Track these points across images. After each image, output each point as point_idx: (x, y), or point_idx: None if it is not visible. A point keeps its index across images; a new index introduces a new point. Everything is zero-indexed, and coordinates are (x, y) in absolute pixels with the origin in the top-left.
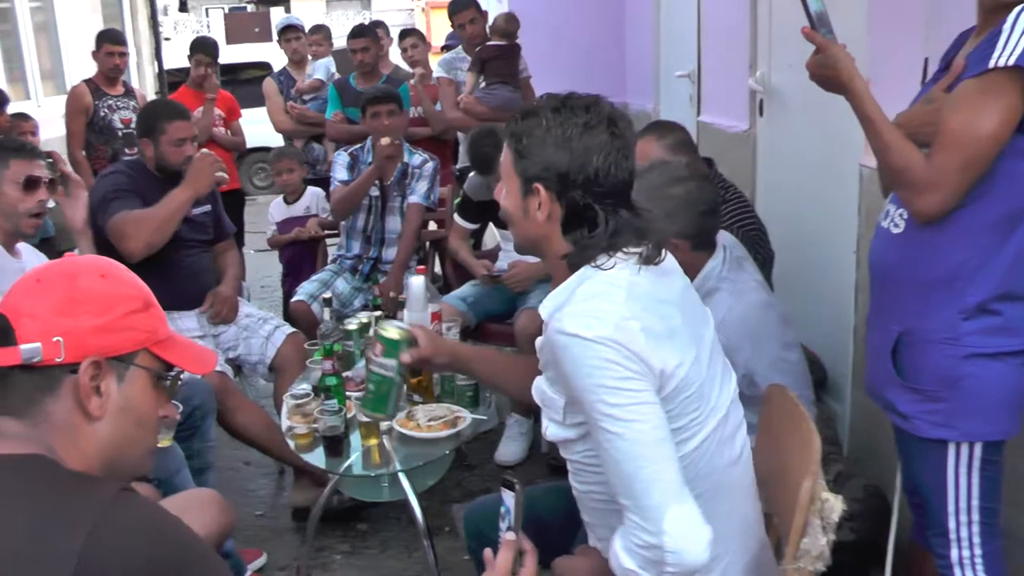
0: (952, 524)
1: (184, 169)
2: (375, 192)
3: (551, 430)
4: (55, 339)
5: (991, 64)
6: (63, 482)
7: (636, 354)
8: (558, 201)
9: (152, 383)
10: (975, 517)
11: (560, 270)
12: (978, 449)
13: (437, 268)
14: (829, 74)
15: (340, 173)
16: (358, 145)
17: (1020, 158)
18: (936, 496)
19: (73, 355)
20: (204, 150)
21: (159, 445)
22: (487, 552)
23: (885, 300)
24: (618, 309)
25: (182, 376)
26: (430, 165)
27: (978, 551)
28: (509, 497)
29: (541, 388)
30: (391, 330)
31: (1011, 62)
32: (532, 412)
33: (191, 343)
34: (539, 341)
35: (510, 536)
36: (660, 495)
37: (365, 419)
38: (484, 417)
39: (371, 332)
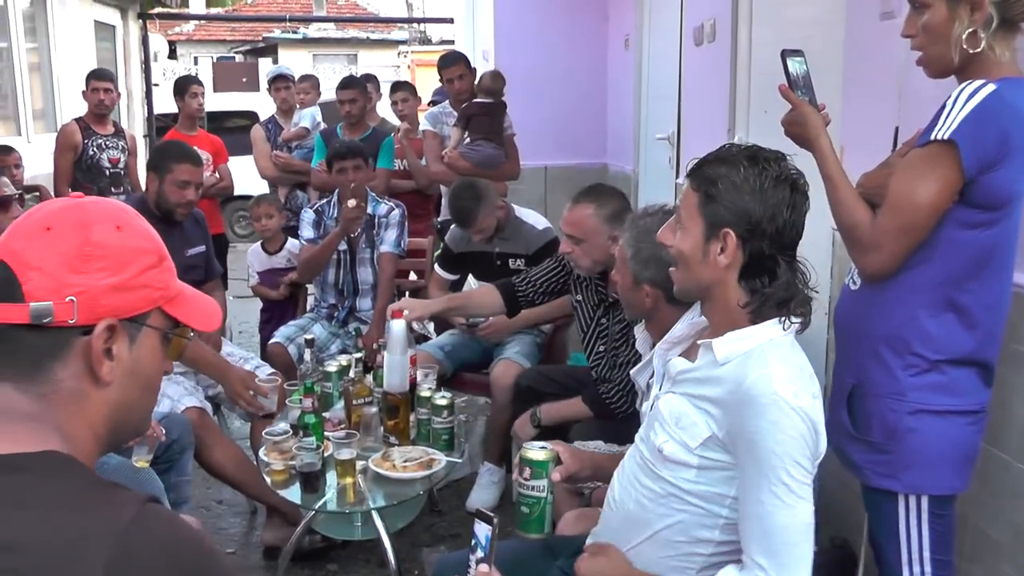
0: (906, 574)
1: (178, 212)
2: (343, 246)
3: (669, 447)
4: (68, 298)
5: (932, 136)
6: (86, 490)
7: (819, 435)
8: (742, 249)
9: (161, 342)
10: (927, 569)
11: (731, 316)
12: (925, 502)
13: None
14: (799, 131)
15: (306, 231)
16: (324, 200)
17: (959, 227)
18: (890, 546)
19: (86, 317)
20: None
21: (136, 465)
22: None
23: (843, 353)
24: (812, 384)
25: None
26: (396, 212)
27: None
28: (483, 529)
29: (675, 406)
30: (536, 452)
31: (947, 136)
32: (504, 461)
33: (198, 294)
34: (702, 366)
35: (483, 569)
36: (803, 571)
37: (527, 535)
38: (458, 460)
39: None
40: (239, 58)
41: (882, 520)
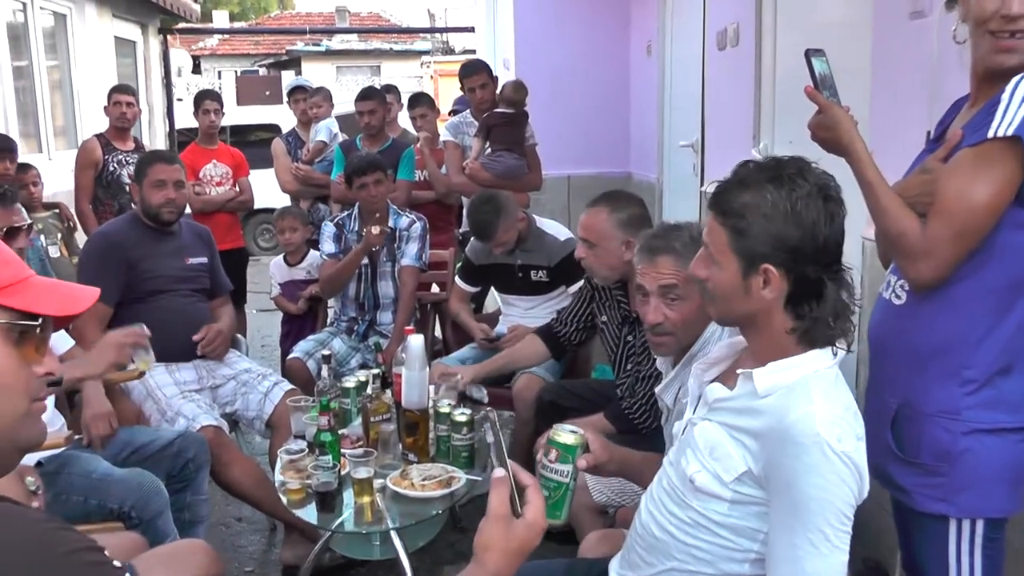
0: None
1: (163, 213)
2: (364, 260)
3: (702, 478)
4: None
5: (989, 134)
6: None
7: (863, 479)
8: (787, 278)
9: (9, 338)
10: None
11: (776, 343)
12: (980, 526)
13: (438, 331)
14: (830, 135)
15: (327, 246)
16: (345, 213)
17: (1018, 230)
18: (936, 572)
19: None
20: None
21: (140, 368)
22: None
23: (883, 372)
24: (857, 424)
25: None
26: (418, 225)
27: None
28: (488, 433)
29: (710, 435)
30: (566, 435)
31: (1010, 132)
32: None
33: (59, 283)
34: (740, 396)
35: (499, 473)
36: None
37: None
38: (479, 478)
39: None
40: (263, 71)
41: (929, 545)
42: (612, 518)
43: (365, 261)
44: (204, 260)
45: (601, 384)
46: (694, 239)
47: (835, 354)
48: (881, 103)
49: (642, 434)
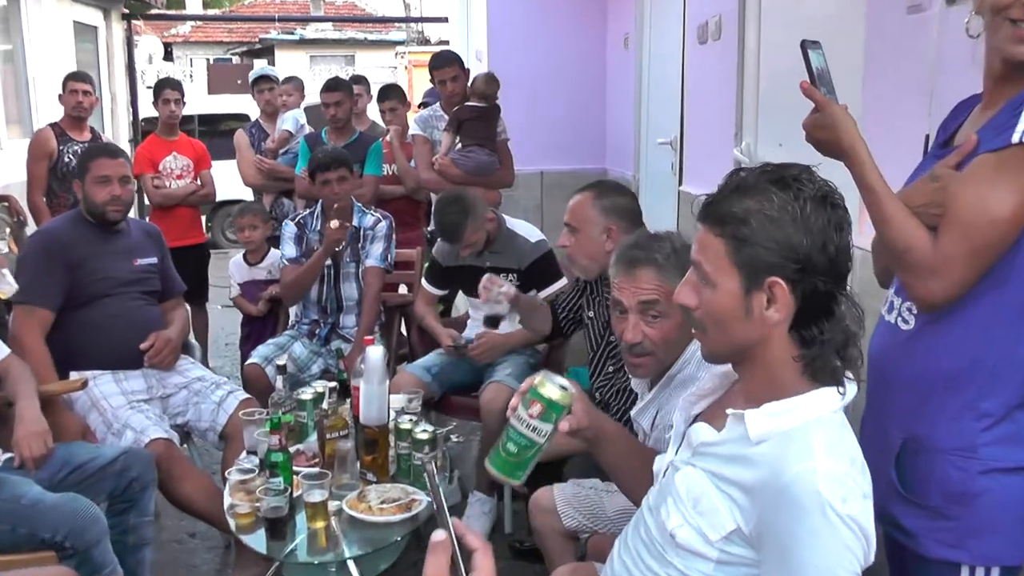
0: None
1: (108, 212)
2: (327, 260)
3: (684, 533)
4: None
5: (1015, 138)
6: None
7: (869, 543)
8: (794, 294)
9: None
10: None
11: (777, 375)
12: (995, 575)
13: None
14: (827, 136)
15: (288, 248)
16: (307, 211)
17: None
18: None
19: None
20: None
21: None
22: None
23: (887, 401)
24: (864, 480)
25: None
26: (383, 224)
27: None
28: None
29: (693, 485)
30: (555, 390)
31: None
32: (495, 490)
33: None
34: (730, 440)
35: (439, 536)
36: None
37: (496, 474)
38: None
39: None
40: (236, 60)
41: None
42: (584, 546)
43: (328, 261)
44: (154, 261)
45: None
46: (676, 251)
47: (842, 394)
48: (875, 103)
49: None
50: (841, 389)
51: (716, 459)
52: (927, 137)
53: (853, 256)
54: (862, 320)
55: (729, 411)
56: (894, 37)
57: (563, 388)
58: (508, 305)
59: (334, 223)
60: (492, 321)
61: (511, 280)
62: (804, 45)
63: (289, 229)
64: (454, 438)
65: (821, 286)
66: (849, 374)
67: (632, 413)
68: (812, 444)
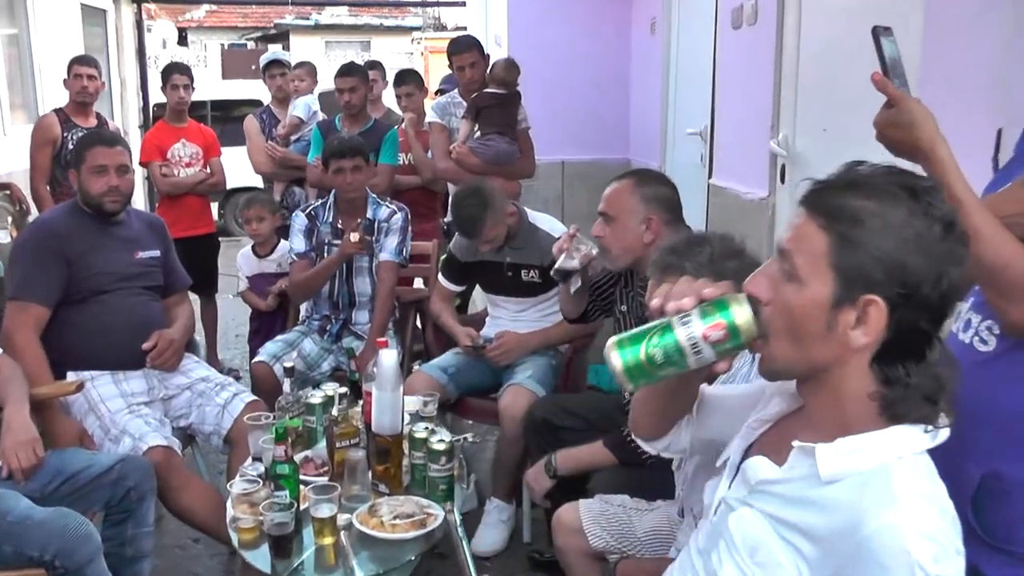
0: None
1: (105, 203)
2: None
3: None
4: None
5: None
6: None
7: None
8: (889, 321)
9: None
10: None
11: (848, 410)
12: None
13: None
14: (903, 136)
15: (297, 242)
16: (319, 202)
17: None
18: None
19: None
20: None
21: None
22: None
23: (959, 431)
24: (955, 533)
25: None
26: (399, 217)
27: None
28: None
29: (750, 531)
30: (747, 315)
31: None
32: (514, 497)
33: None
34: (795, 479)
35: None
36: None
37: (616, 363)
38: (458, 517)
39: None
40: (251, 45)
41: None
42: (612, 571)
43: None
44: (156, 253)
45: (602, 402)
46: (714, 259)
47: (930, 433)
48: (935, 95)
49: (647, 466)
50: (929, 428)
51: (777, 500)
52: (999, 132)
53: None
54: (956, 370)
55: (796, 443)
56: (959, 21)
57: (755, 316)
58: (580, 265)
59: (354, 236)
60: (564, 275)
61: (532, 276)
62: (876, 32)
63: (299, 220)
64: (470, 437)
65: (923, 323)
66: (943, 416)
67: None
68: (895, 490)
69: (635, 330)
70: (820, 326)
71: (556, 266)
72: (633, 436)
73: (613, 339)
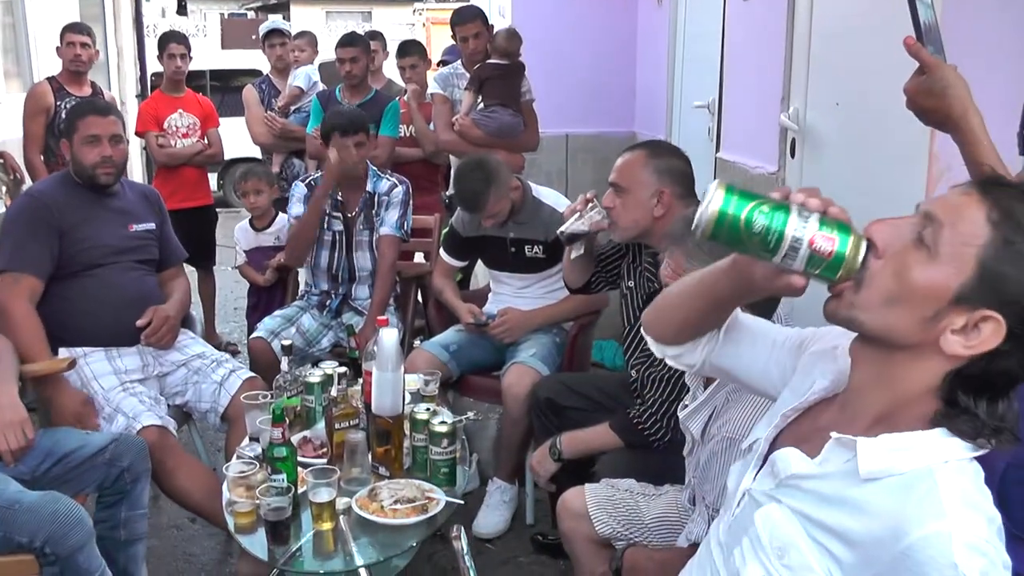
0: None
1: (99, 175)
2: (338, 227)
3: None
4: None
5: None
6: None
7: None
8: (996, 347)
9: None
10: None
11: (902, 406)
12: None
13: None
14: (935, 104)
15: (295, 207)
16: (318, 173)
17: None
18: None
19: None
20: None
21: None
22: None
23: None
24: (1002, 544)
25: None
26: (399, 190)
27: None
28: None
29: (780, 529)
30: (857, 247)
31: None
32: (516, 477)
33: None
34: (831, 474)
35: None
36: None
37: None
38: (460, 502)
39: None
40: (251, 15)
41: None
42: (619, 558)
43: (340, 227)
44: (151, 226)
45: (607, 381)
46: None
47: (980, 444)
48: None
49: (655, 449)
50: (981, 440)
51: (810, 497)
52: None
53: None
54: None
55: (834, 435)
56: None
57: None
58: (588, 230)
59: (331, 153)
60: (569, 238)
61: (536, 252)
62: None
63: (299, 189)
64: (471, 415)
65: (1019, 364)
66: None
67: (681, 416)
68: (942, 496)
69: (752, 192)
70: (926, 310)
71: (563, 228)
72: (643, 332)
73: (725, 181)
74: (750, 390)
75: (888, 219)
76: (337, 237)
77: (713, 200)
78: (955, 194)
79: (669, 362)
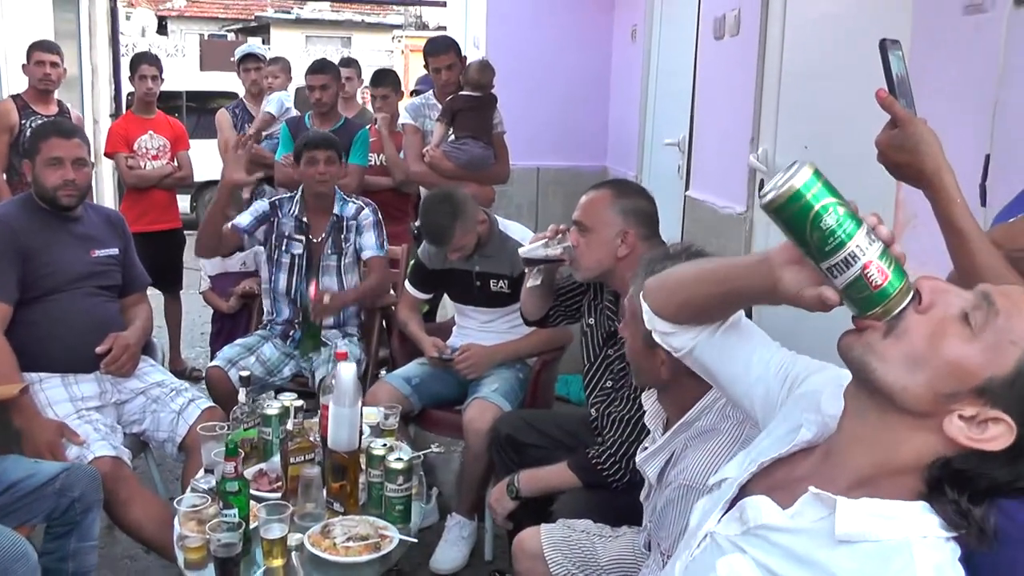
0: None
1: (60, 197)
2: (297, 250)
3: None
4: None
5: None
6: None
7: None
8: (1002, 450)
9: None
10: None
11: (886, 473)
12: None
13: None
14: (907, 159)
15: (242, 218)
16: (286, 195)
17: None
18: None
19: None
20: None
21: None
22: None
23: None
24: None
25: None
26: (367, 211)
27: None
28: None
29: None
30: (907, 296)
31: None
32: (476, 513)
33: None
34: (804, 529)
35: None
36: None
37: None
38: (414, 540)
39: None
40: (231, 36)
41: None
42: None
43: (299, 251)
44: (114, 252)
45: (568, 421)
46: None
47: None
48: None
49: (614, 490)
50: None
51: (778, 552)
52: (987, 158)
53: None
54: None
55: (812, 489)
56: (947, 41)
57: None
58: (548, 257)
59: (326, 296)
60: (528, 262)
61: (501, 287)
62: (884, 45)
63: (259, 204)
64: (435, 447)
65: (1012, 480)
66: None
67: (638, 460)
68: (918, 571)
69: (835, 188)
70: (945, 386)
71: (525, 249)
72: (643, 297)
73: (817, 166)
74: (725, 395)
75: (943, 280)
76: (296, 260)
77: (798, 176)
78: (1021, 292)
79: (656, 337)
